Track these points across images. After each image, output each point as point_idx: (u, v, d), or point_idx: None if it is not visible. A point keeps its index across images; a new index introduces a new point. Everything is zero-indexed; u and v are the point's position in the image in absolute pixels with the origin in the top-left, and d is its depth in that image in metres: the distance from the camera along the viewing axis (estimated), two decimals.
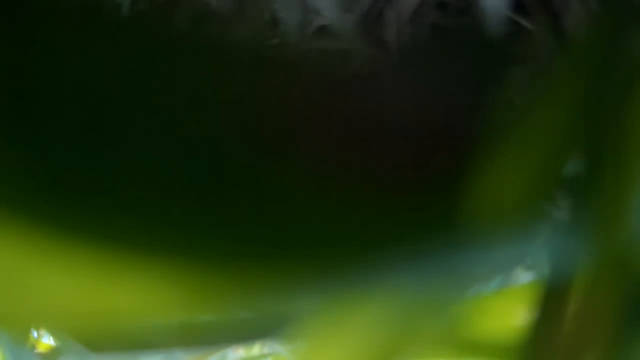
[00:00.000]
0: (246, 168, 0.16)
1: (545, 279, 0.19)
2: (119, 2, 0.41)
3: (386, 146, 0.17)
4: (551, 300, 0.19)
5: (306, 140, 0.16)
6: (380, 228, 0.17)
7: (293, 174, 0.16)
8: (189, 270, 0.16)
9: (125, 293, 0.16)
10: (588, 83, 0.20)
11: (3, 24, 0.15)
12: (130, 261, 0.16)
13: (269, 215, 0.16)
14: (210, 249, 0.16)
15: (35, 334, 0.67)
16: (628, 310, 0.19)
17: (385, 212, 0.17)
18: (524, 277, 0.23)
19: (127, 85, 0.15)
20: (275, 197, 0.16)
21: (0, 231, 0.15)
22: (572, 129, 0.19)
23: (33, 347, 0.68)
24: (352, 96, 0.17)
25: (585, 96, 0.19)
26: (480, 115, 0.18)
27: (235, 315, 0.17)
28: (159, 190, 0.16)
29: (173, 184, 0.16)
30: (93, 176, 0.15)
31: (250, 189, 0.16)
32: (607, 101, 0.19)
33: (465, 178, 0.17)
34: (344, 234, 0.17)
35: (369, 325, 0.18)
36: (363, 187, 0.17)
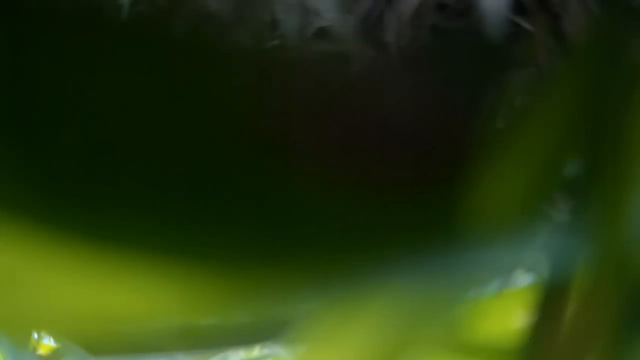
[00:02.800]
0: (245, 171, 0.16)
1: (544, 280, 0.19)
2: (119, 4, 0.41)
3: (386, 148, 0.17)
4: (551, 302, 0.19)
5: (306, 142, 0.16)
6: (380, 230, 0.17)
7: (293, 177, 0.16)
8: (189, 273, 0.16)
9: (126, 297, 0.16)
10: (588, 85, 0.20)
11: (4, 25, 0.15)
12: (131, 265, 0.16)
13: (269, 219, 0.16)
14: (210, 253, 0.16)
15: (35, 335, 0.67)
16: (627, 312, 0.19)
17: (385, 215, 0.17)
18: (523, 279, 0.23)
19: (127, 87, 0.15)
20: (275, 200, 0.16)
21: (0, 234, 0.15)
22: (572, 130, 0.19)
23: (34, 349, 0.68)
24: (352, 98, 0.17)
25: (585, 98, 0.19)
26: (480, 117, 0.18)
27: (236, 319, 0.17)
28: (159, 193, 0.16)
29: (173, 187, 0.16)
30: (93, 178, 0.15)
31: (249, 193, 0.16)
32: (606, 103, 0.19)
33: (465, 180, 0.17)
34: (343, 237, 0.17)
35: (369, 327, 0.18)
36: (363, 189, 0.17)
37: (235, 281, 0.16)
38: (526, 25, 0.42)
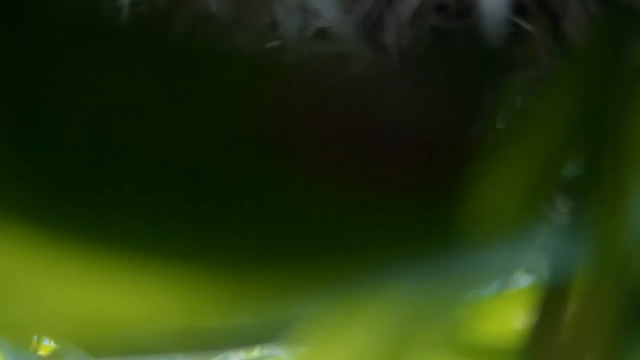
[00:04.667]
0: (245, 173, 0.16)
1: (544, 282, 0.19)
2: (119, 6, 0.41)
3: (386, 150, 0.17)
4: (550, 303, 0.19)
5: (306, 143, 0.16)
6: (380, 232, 0.17)
7: (293, 178, 0.16)
8: (189, 275, 0.16)
9: (126, 299, 0.16)
10: (588, 86, 0.20)
11: (4, 27, 0.15)
12: (131, 267, 0.16)
13: (269, 220, 0.16)
14: (210, 255, 0.16)
15: (35, 336, 0.67)
16: (627, 313, 0.19)
17: (385, 216, 0.17)
18: (523, 281, 0.23)
19: (127, 88, 0.15)
20: (275, 202, 0.16)
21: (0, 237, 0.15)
22: (572, 131, 0.19)
23: (34, 350, 0.69)
24: (351, 99, 0.17)
25: (585, 98, 0.19)
26: (480, 118, 0.18)
27: (236, 320, 0.17)
28: (160, 195, 0.16)
29: (173, 189, 0.16)
30: (93, 180, 0.15)
31: (250, 194, 0.16)
32: (606, 104, 0.19)
33: (465, 182, 0.17)
34: (343, 239, 0.17)
35: (369, 328, 0.18)
36: (363, 191, 0.17)
37: (235, 283, 0.16)
38: (526, 26, 0.42)
